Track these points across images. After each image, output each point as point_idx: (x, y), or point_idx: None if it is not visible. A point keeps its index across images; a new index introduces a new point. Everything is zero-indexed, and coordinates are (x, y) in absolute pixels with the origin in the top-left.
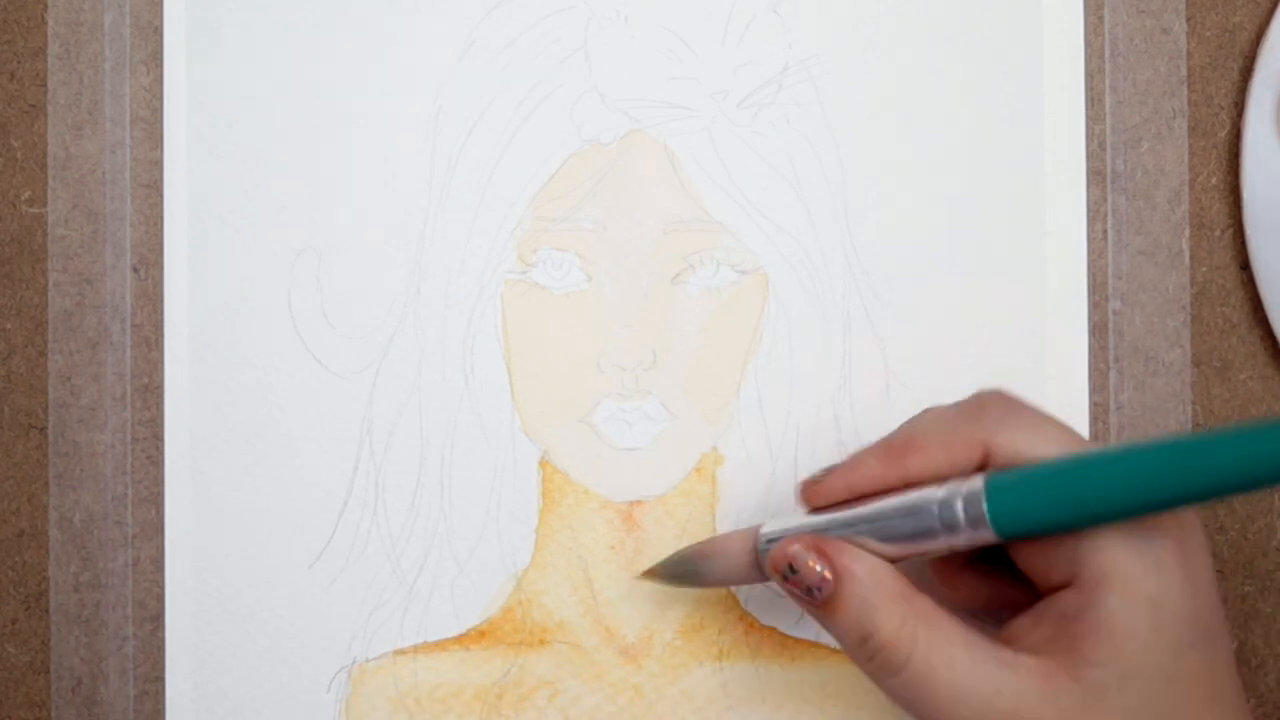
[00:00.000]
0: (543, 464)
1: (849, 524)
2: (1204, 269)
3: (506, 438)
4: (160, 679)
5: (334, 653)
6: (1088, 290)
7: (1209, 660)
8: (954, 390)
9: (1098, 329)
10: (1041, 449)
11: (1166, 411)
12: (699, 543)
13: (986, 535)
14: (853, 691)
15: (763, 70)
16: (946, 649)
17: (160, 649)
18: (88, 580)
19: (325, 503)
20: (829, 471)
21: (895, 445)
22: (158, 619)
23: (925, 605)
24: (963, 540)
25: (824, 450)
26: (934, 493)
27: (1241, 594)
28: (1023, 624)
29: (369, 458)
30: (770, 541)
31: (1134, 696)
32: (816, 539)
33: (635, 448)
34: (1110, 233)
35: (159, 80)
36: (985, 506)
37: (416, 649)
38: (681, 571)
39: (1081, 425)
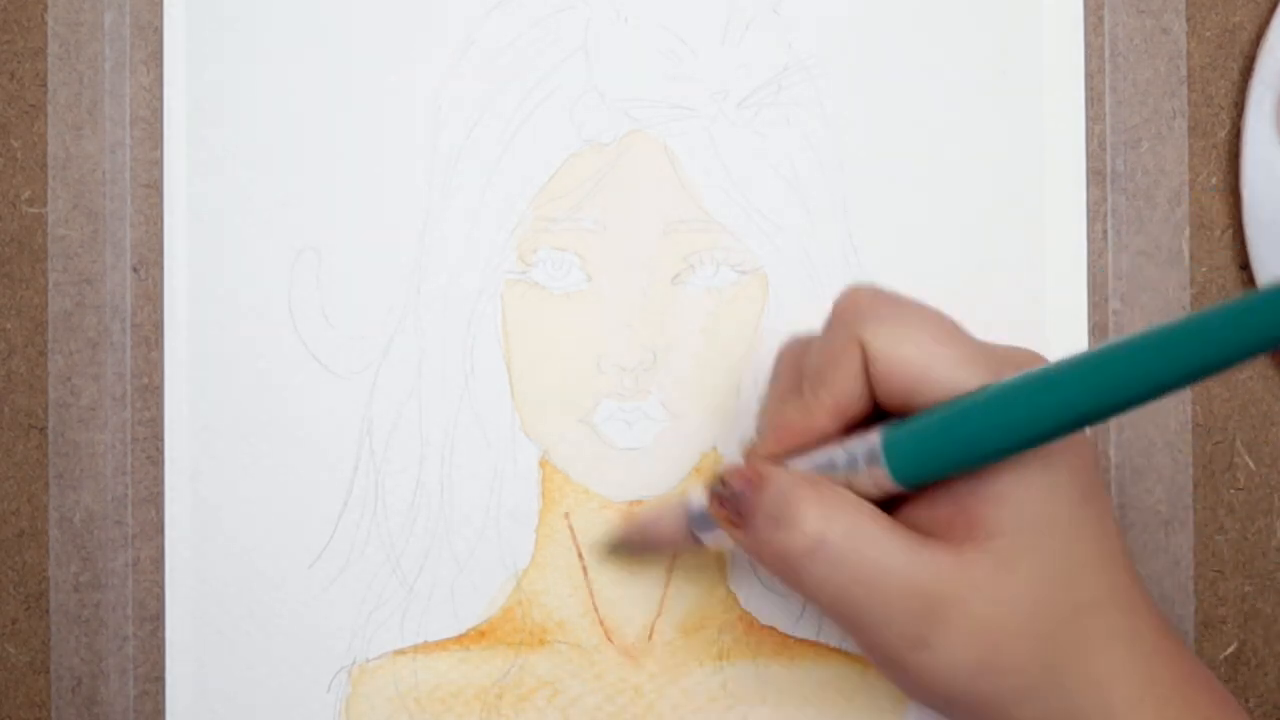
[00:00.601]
0: (543, 464)
1: None
2: (1204, 269)
3: (506, 438)
4: (160, 679)
5: (334, 653)
6: (1088, 290)
7: (1098, 515)
8: None
9: (1098, 329)
10: (910, 337)
11: (1166, 411)
12: (634, 513)
13: (892, 486)
14: (853, 691)
15: (763, 70)
16: (866, 525)
17: (160, 649)
18: (88, 580)
19: (325, 503)
20: (763, 437)
21: (804, 389)
22: (158, 619)
23: (841, 492)
24: (873, 491)
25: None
26: (836, 455)
27: (1241, 594)
28: (918, 510)
29: (369, 458)
30: (699, 510)
31: (1040, 557)
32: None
33: (635, 448)
34: (1110, 233)
35: (159, 80)
36: (885, 466)
37: (416, 649)
38: (622, 546)
39: None
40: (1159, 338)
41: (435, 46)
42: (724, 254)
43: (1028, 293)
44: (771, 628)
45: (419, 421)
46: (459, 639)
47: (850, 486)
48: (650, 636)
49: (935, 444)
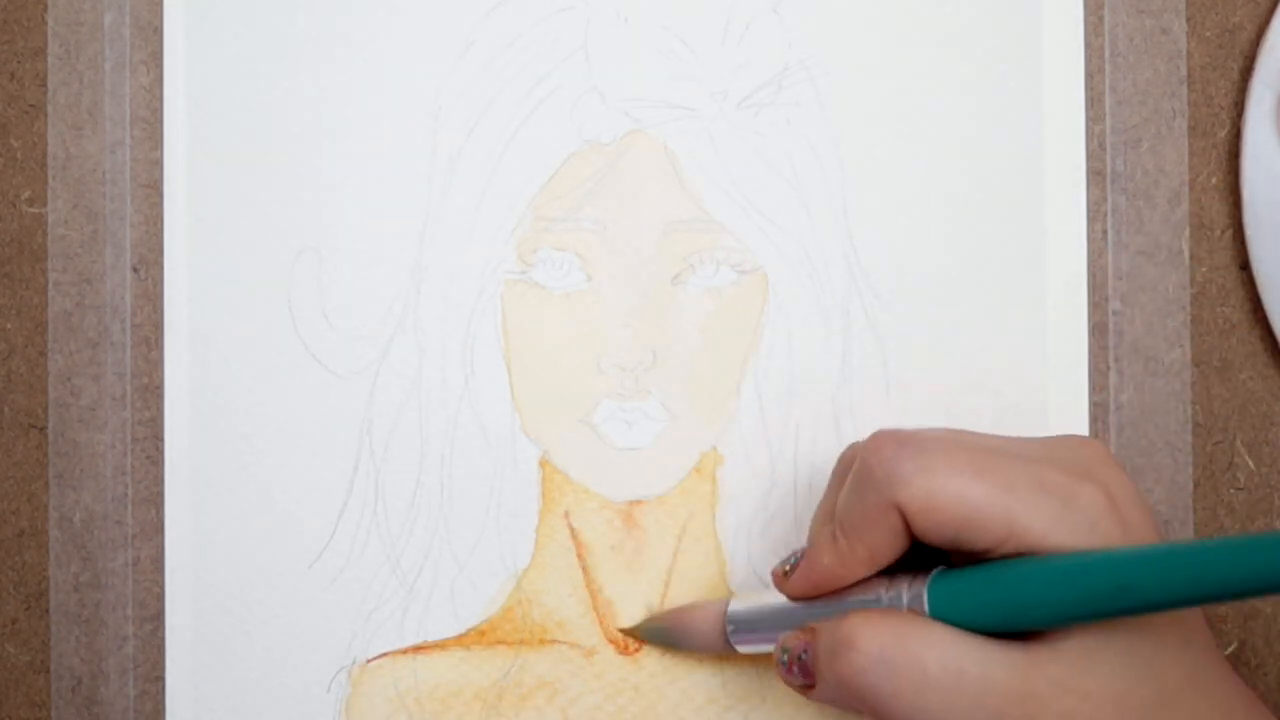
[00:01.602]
0: (543, 464)
1: (812, 608)
2: (1204, 269)
3: (506, 438)
4: (160, 679)
5: (334, 653)
6: (1088, 290)
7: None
8: (954, 390)
9: (1098, 329)
10: (947, 490)
11: (1166, 412)
12: (672, 610)
13: None
14: None
15: (763, 70)
16: (926, 632)
17: (160, 649)
18: (88, 580)
19: (325, 503)
20: (794, 566)
21: (839, 538)
22: (158, 619)
23: (890, 609)
24: None
25: (824, 450)
26: (881, 599)
27: None
28: None
29: (369, 458)
30: (737, 620)
31: (1115, 650)
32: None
33: (635, 447)
34: (1110, 233)
35: (159, 80)
36: (928, 612)
37: (416, 649)
38: (655, 636)
39: (1081, 425)
40: (1235, 548)
41: (435, 46)
42: (724, 254)
43: (1028, 293)
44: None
45: (419, 421)
46: (459, 639)
47: None
48: None
49: (981, 609)
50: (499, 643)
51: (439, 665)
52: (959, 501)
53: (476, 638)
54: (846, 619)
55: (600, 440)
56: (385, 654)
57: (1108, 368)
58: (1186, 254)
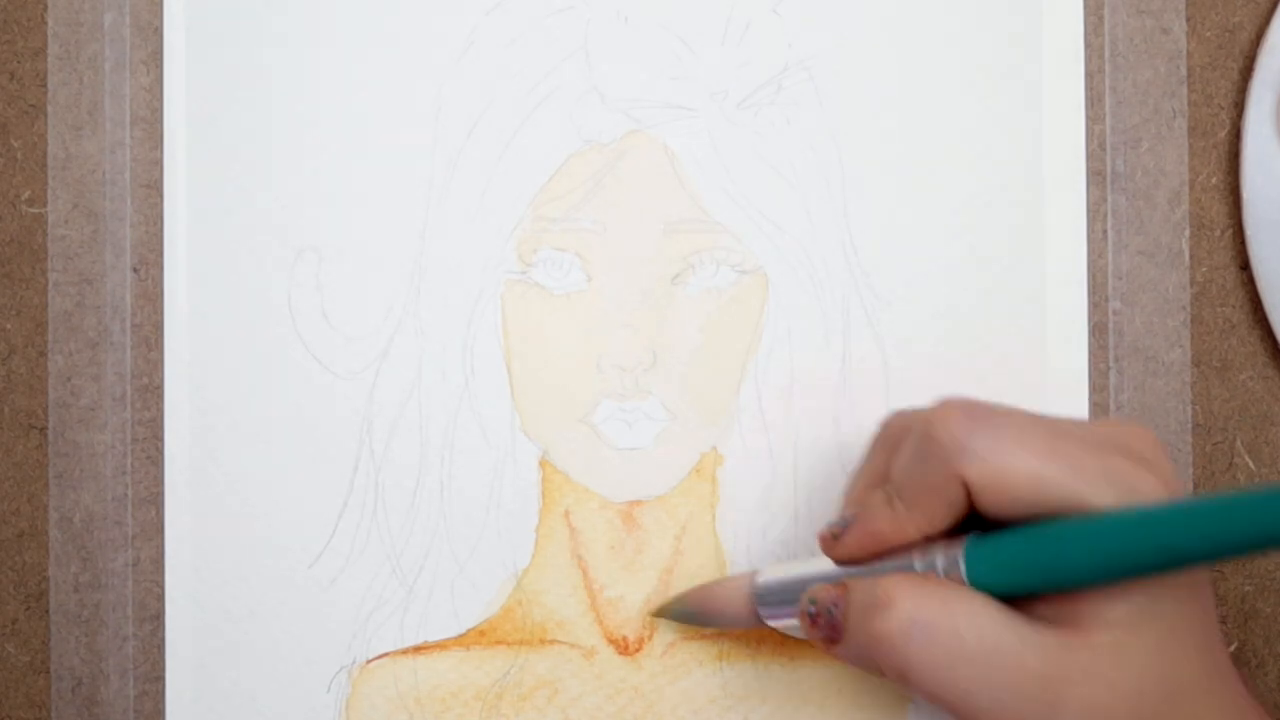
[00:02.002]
0: (543, 464)
1: (839, 576)
2: (1204, 269)
3: (506, 437)
4: (160, 679)
5: (334, 653)
6: (1088, 290)
7: (1202, 605)
8: (954, 390)
9: (1098, 329)
10: (1012, 465)
11: (1166, 411)
12: (698, 588)
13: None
14: (853, 691)
15: (763, 70)
16: (966, 603)
17: (160, 649)
18: (88, 580)
19: (325, 503)
20: (845, 530)
21: (895, 503)
22: (158, 619)
23: (930, 576)
24: None
25: (824, 450)
26: (916, 563)
27: (1241, 594)
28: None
29: (369, 458)
30: (764, 593)
31: (1148, 645)
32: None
33: (635, 448)
34: (1110, 233)
35: (159, 80)
36: (966, 579)
37: (416, 649)
38: (683, 616)
39: None
40: (1253, 501)
41: (435, 46)
42: (724, 254)
43: (1028, 293)
44: (772, 628)
45: (419, 421)
46: (459, 639)
47: None
48: (650, 636)
49: (1019, 569)
50: (499, 643)
51: (439, 665)
52: (1030, 481)
53: (476, 638)
54: (885, 578)
55: (600, 440)
56: (385, 654)
57: (1108, 368)
58: (1186, 254)
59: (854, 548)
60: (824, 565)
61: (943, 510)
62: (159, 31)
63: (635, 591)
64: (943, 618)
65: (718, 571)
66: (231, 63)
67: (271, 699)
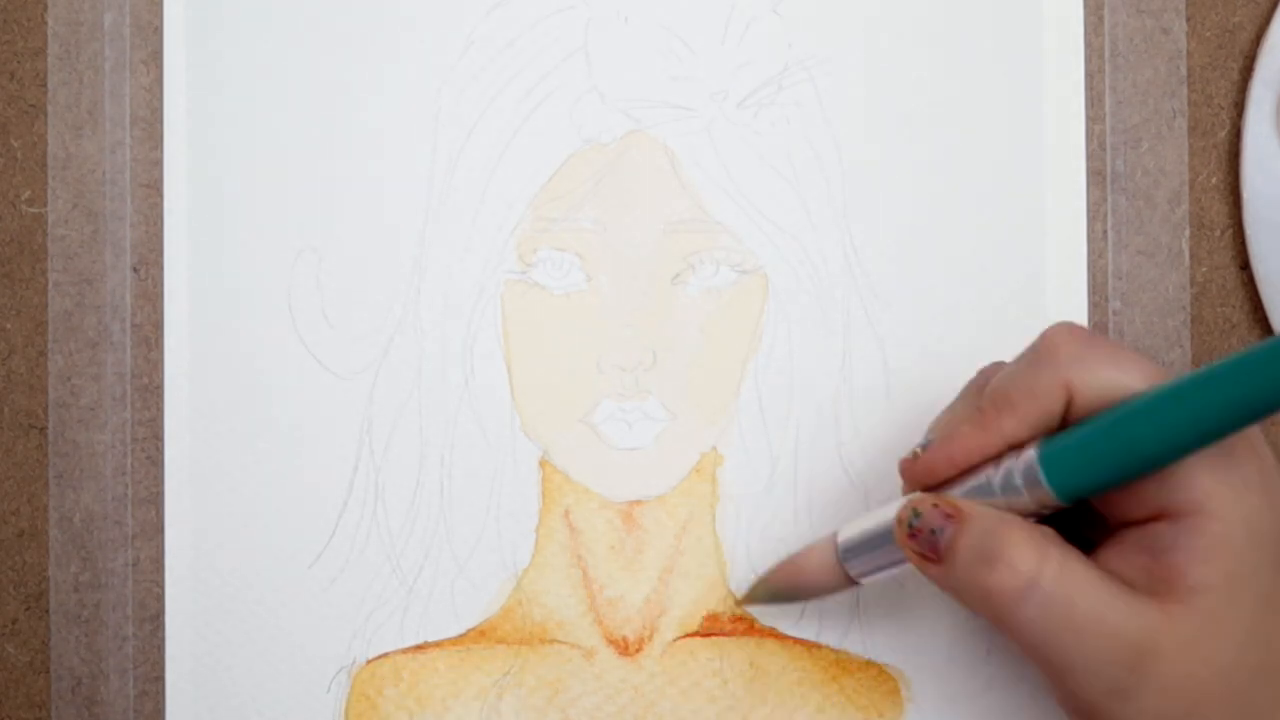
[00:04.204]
0: (543, 464)
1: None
2: (1204, 269)
3: (506, 438)
4: (160, 679)
5: (334, 653)
6: (1088, 290)
7: None
8: (954, 390)
9: (1098, 329)
10: (1122, 382)
11: None
12: (781, 563)
13: (1053, 501)
14: (853, 691)
15: (763, 70)
16: (1080, 570)
17: (160, 649)
18: (88, 580)
19: (325, 503)
20: (925, 447)
21: (986, 409)
22: (158, 619)
23: (1048, 532)
24: (1033, 508)
25: (824, 450)
26: (991, 475)
27: None
28: (1109, 558)
29: (369, 458)
30: (849, 549)
31: (1244, 616)
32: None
33: (635, 448)
34: (1110, 233)
35: (159, 80)
36: (1043, 478)
37: (416, 649)
38: (770, 591)
39: None
40: None
41: (435, 46)
42: (724, 254)
43: (1028, 293)
44: (771, 629)
45: (419, 421)
46: (459, 639)
47: (1010, 510)
48: (650, 636)
49: (1095, 452)
50: (499, 643)
51: (439, 665)
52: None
53: (476, 638)
54: (1001, 526)
55: (600, 440)
56: (385, 654)
57: None
58: (1186, 254)
59: (936, 462)
60: (895, 508)
61: (1036, 415)
62: (159, 31)
63: (635, 591)
64: (1058, 585)
65: (718, 571)
66: (231, 63)
67: (271, 699)
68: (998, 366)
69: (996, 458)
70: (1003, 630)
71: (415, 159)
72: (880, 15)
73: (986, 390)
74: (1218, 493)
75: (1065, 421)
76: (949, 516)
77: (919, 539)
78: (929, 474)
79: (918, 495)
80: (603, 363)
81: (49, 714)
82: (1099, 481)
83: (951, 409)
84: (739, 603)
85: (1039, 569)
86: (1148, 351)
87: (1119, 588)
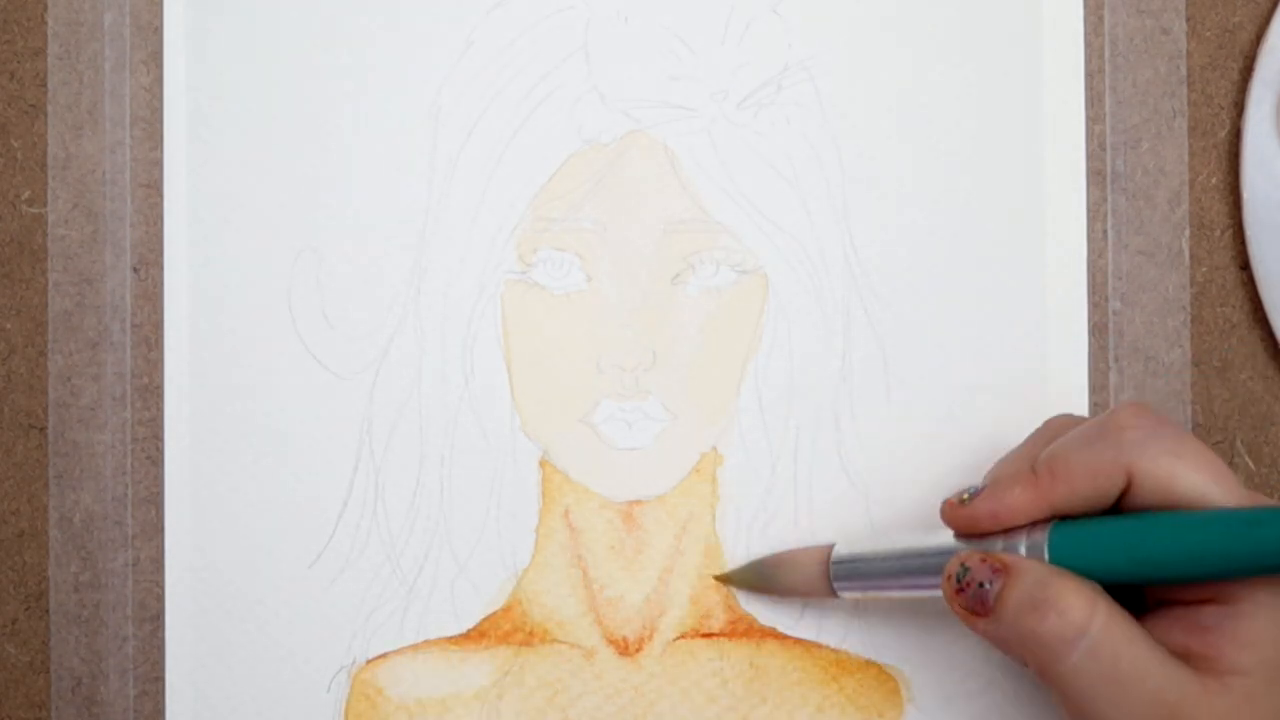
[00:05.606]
0: (543, 464)
1: (922, 555)
2: (1204, 269)
3: (506, 438)
4: (160, 679)
5: (334, 653)
6: (1088, 290)
7: None
8: (954, 390)
9: (1098, 329)
10: (1186, 477)
11: (1167, 411)
12: (774, 554)
13: None
14: (853, 690)
15: (763, 70)
16: (1127, 626)
17: (160, 649)
18: (88, 580)
19: (325, 503)
20: (974, 496)
21: (1043, 475)
22: (158, 619)
23: (1095, 586)
24: None
25: (824, 450)
26: (994, 544)
27: None
28: (1151, 626)
29: (368, 458)
30: (842, 564)
31: (1275, 705)
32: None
33: (635, 447)
34: (1110, 233)
35: (159, 80)
36: (1047, 557)
37: (416, 649)
38: (754, 578)
39: None
40: None
41: (435, 46)
42: (724, 254)
43: (1028, 293)
44: (771, 628)
45: (419, 421)
46: (459, 639)
47: None
48: (650, 636)
49: (1104, 559)
50: (499, 643)
51: (439, 665)
52: (1193, 491)
53: (477, 638)
54: (1053, 576)
55: (600, 440)
56: (385, 654)
57: (1108, 368)
58: (1186, 254)
59: (979, 516)
60: (901, 543)
61: (1091, 493)
62: (159, 31)
63: (635, 591)
64: (1106, 636)
65: (717, 570)
66: (231, 63)
67: (271, 699)
68: (1066, 421)
69: (1043, 523)
70: (1045, 679)
71: (415, 159)
72: (880, 15)
73: (1044, 454)
74: (1261, 582)
75: (1128, 503)
76: (997, 571)
77: (967, 593)
78: (971, 524)
79: (965, 552)
80: (603, 363)
81: (49, 714)
82: (1101, 579)
83: (1009, 460)
84: (716, 578)
85: (1089, 618)
86: (1147, 352)
87: (1163, 651)
